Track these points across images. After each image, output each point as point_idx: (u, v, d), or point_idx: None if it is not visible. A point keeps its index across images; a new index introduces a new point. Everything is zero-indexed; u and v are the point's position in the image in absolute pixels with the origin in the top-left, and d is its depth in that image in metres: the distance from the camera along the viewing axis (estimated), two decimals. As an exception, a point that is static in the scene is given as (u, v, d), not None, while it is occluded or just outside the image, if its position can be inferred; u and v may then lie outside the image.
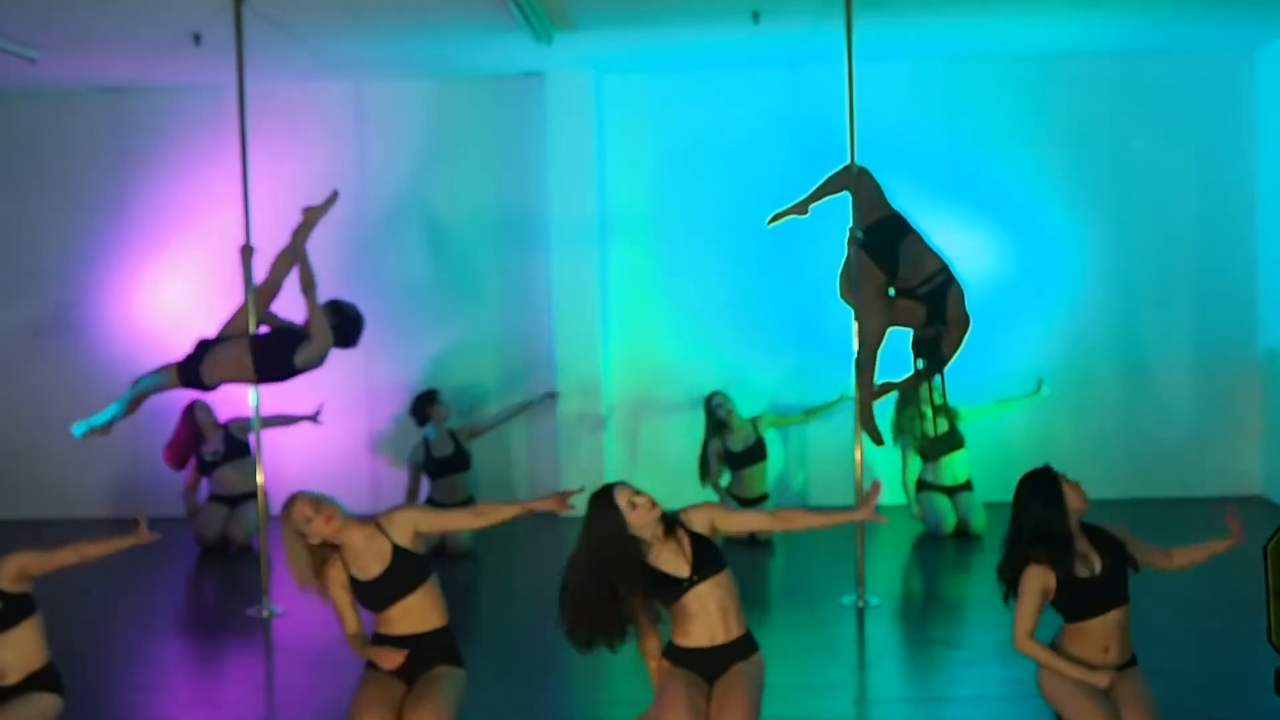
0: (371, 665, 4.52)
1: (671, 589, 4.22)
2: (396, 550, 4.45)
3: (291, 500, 4.47)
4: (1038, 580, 4.39)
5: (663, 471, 9.48)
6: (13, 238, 9.82)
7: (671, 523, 4.26)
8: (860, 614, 6.70)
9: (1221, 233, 9.40)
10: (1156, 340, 9.45)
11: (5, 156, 9.81)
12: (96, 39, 7.93)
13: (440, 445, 8.51)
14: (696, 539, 4.25)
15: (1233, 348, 9.41)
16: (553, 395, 9.10)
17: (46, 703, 4.64)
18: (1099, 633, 4.38)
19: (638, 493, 4.22)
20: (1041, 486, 4.37)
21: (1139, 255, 9.43)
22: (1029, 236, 9.44)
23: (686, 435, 9.46)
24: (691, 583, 4.21)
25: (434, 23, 7.72)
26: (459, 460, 8.54)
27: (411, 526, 4.50)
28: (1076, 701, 4.32)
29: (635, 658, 6.27)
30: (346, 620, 4.54)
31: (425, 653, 4.49)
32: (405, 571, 4.45)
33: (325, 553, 4.46)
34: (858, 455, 7.03)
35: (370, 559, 4.45)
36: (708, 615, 4.26)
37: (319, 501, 4.43)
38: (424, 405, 8.61)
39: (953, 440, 8.62)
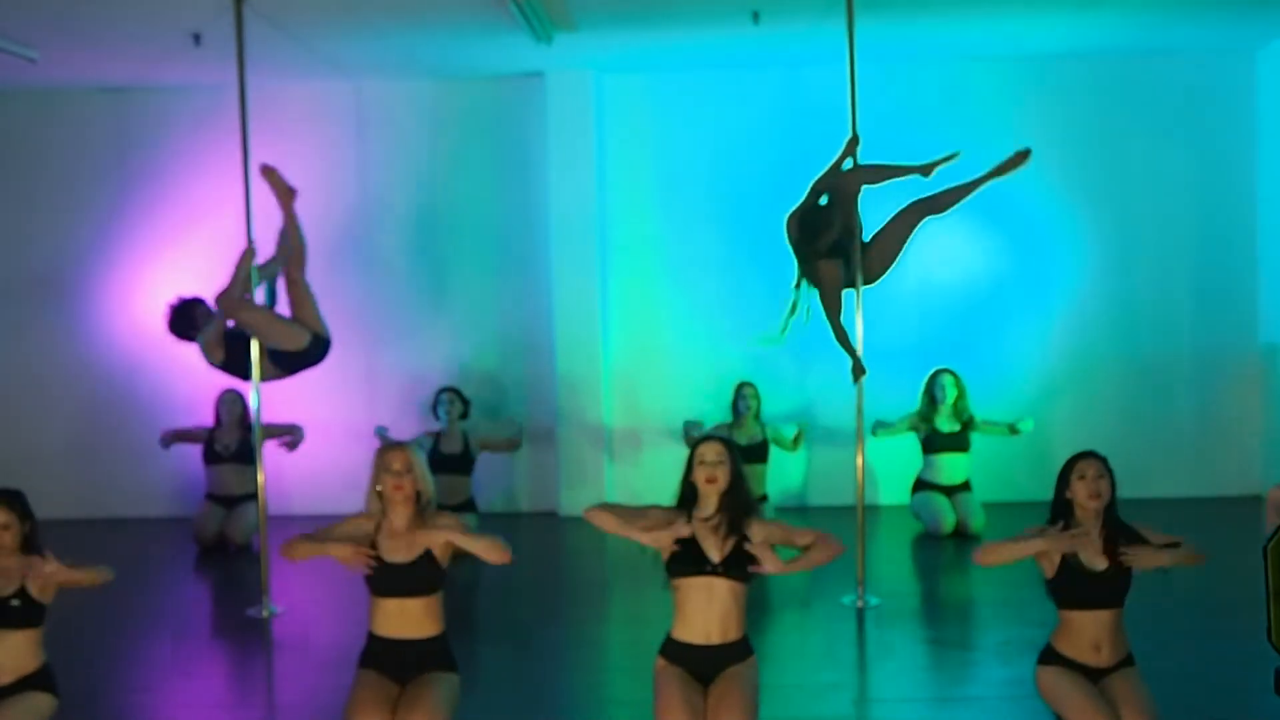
0: (364, 667, 4.53)
1: (693, 563, 4.35)
2: (427, 553, 4.49)
3: (400, 444, 4.63)
4: (1045, 539, 4.48)
5: (663, 471, 9.47)
6: (13, 237, 9.82)
7: (738, 519, 4.41)
8: (860, 614, 6.70)
9: (1221, 233, 9.40)
10: (1156, 340, 9.45)
11: (5, 156, 9.81)
12: (96, 39, 7.93)
13: (449, 441, 8.56)
14: (740, 545, 4.38)
15: (1233, 347, 9.41)
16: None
17: (42, 702, 4.66)
18: (1090, 629, 4.41)
19: (718, 463, 4.41)
20: (1066, 464, 4.58)
21: (1139, 255, 9.43)
22: (1029, 236, 9.44)
23: (686, 435, 9.47)
24: (715, 570, 4.34)
25: (434, 23, 7.72)
26: (463, 461, 8.54)
27: (445, 538, 4.51)
28: (1075, 701, 4.33)
29: (635, 657, 6.28)
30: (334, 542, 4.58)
31: (419, 658, 4.50)
32: (422, 575, 4.49)
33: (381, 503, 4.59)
34: (858, 456, 7.02)
35: (402, 546, 4.50)
36: (710, 612, 4.36)
37: (408, 471, 4.50)
38: (440, 393, 8.66)
39: (959, 442, 8.63)
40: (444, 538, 4.49)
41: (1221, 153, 9.37)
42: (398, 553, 4.48)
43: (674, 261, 9.60)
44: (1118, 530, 4.49)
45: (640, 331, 9.64)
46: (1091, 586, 4.40)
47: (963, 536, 8.48)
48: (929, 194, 7.03)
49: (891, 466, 9.35)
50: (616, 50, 8.71)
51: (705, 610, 4.36)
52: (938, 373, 8.70)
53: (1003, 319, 9.45)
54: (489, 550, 4.49)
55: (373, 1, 7.18)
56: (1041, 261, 9.45)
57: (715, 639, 4.36)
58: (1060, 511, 4.54)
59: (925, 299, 9.30)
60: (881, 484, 9.45)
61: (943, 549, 8.28)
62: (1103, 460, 4.57)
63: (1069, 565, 4.43)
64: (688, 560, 4.37)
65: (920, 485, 8.69)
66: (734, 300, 9.54)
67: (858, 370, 6.89)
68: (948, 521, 8.48)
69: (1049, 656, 4.50)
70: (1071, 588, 4.43)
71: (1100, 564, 4.40)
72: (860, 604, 6.80)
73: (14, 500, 4.78)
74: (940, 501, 8.56)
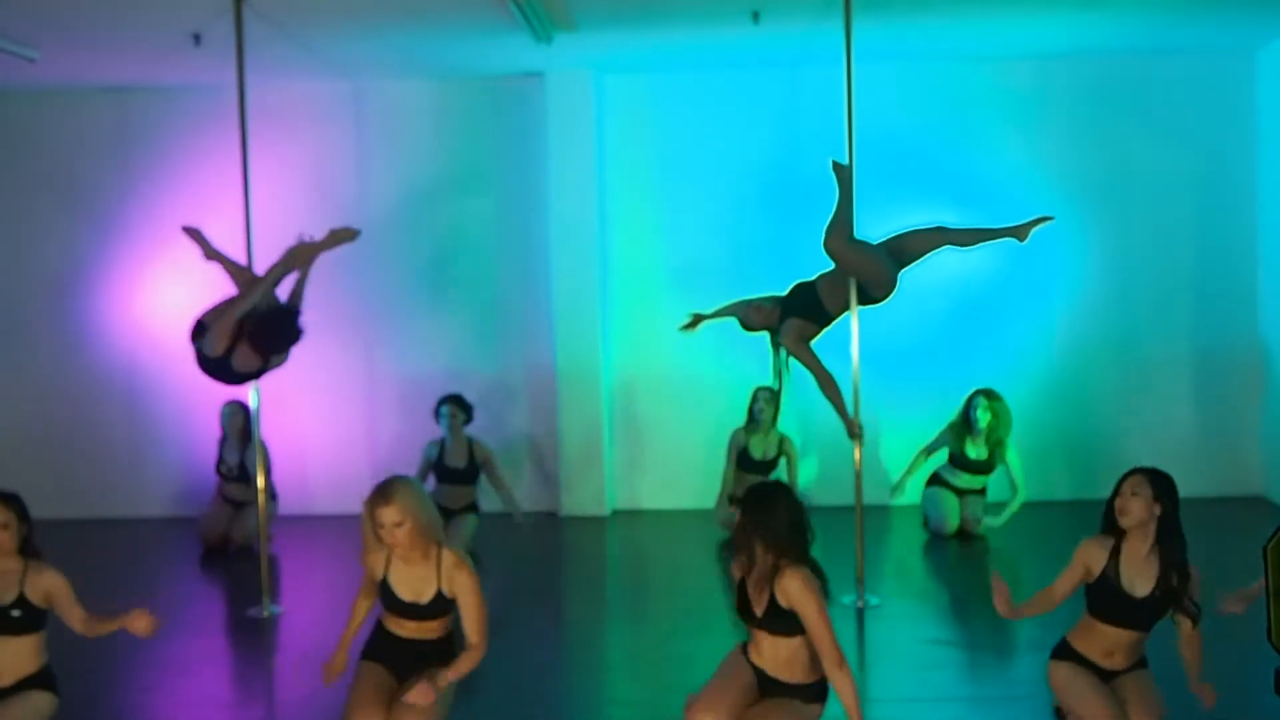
0: (367, 658, 4.56)
1: (742, 612, 4.37)
2: (440, 594, 4.46)
3: (387, 494, 4.33)
4: (1084, 553, 4.48)
5: (662, 472, 9.48)
6: (12, 237, 9.82)
7: (769, 571, 4.28)
8: (860, 614, 6.70)
9: (1221, 233, 9.40)
10: (1157, 340, 9.45)
11: (5, 156, 9.81)
12: (96, 39, 7.93)
13: (453, 454, 8.42)
14: (774, 603, 4.26)
15: (1233, 347, 9.41)
16: (526, 518, 8.67)
17: (42, 701, 4.69)
18: (1109, 639, 4.42)
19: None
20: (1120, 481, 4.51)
21: (1139, 255, 9.43)
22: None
23: (686, 436, 9.47)
24: (759, 624, 4.32)
25: (434, 23, 7.72)
26: (469, 473, 8.45)
27: (456, 587, 4.44)
28: (1086, 698, 4.34)
29: (635, 657, 6.29)
30: (354, 616, 4.67)
31: (422, 657, 4.53)
32: (436, 609, 4.48)
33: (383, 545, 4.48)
34: (857, 455, 7.02)
35: (413, 582, 4.47)
36: (775, 656, 4.35)
37: (400, 521, 4.32)
38: (441, 405, 8.52)
39: (984, 468, 8.50)
40: (458, 587, 4.43)
41: (1221, 153, 9.36)
42: (405, 590, 4.47)
43: (674, 261, 9.60)
44: (1171, 566, 4.39)
45: (640, 331, 9.63)
46: (1127, 608, 4.40)
47: (966, 537, 8.47)
48: (954, 226, 7.06)
49: (903, 467, 9.34)
50: (616, 50, 8.71)
51: (770, 654, 4.35)
52: (975, 394, 8.47)
53: (1002, 318, 9.45)
54: (472, 661, 4.44)
55: (373, 1, 7.18)
56: (1041, 261, 9.44)
57: (783, 677, 4.36)
58: (1108, 520, 4.50)
59: (924, 298, 9.28)
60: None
61: (945, 549, 8.28)
62: (1148, 476, 4.46)
63: (1108, 580, 4.40)
64: (740, 609, 4.37)
65: (935, 480, 8.64)
66: (733, 299, 9.53)
67: (851, 432, 6.83)
68: (952, 522, 8.46)
69: (1064, 651, 4.51)
70: (1105, 602, 4.42)
71: (1142, 590, 4.37)
72: (860, 604, 6.80)
73: (12, 500, 4.77)
74: (950, 501, 8.53)
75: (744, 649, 4.45)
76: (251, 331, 6.55)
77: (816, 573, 4.29)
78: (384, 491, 4.34)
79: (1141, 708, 4.31)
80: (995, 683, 5.69)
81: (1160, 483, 4.44)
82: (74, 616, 4.74)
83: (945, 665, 6.01)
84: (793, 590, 4.19)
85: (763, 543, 4.26)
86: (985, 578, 7.65)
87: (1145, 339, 9.46)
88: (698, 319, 7.55)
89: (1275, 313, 9.16)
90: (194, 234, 7.19)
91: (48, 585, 4.69)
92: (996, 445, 8.42)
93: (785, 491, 4.40)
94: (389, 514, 4.30)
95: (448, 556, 4.44)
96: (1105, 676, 4.43)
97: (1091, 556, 4.46)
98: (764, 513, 4.29)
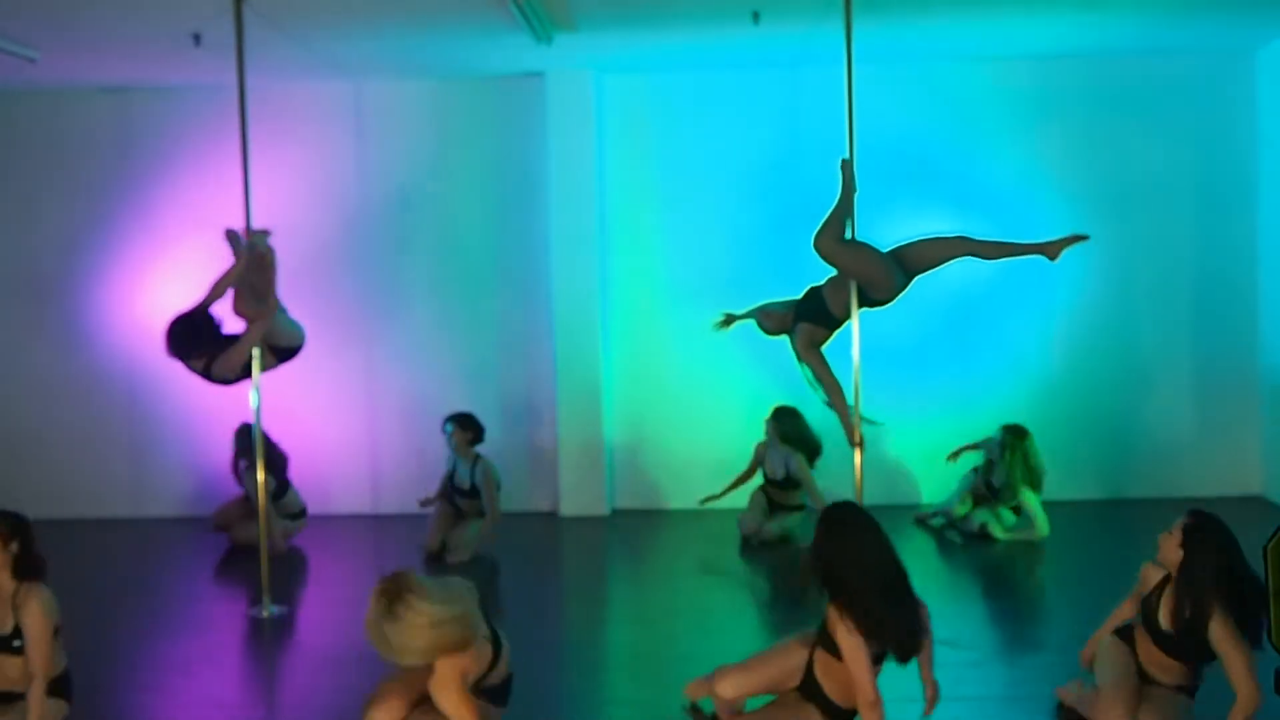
0: None
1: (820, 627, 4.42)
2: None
3: (378, 594, 4.27)
4: (1145, 574, 4.62)
5: (662, 472, 9.47)
6: (14, 237, 9.82)
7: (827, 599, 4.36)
8: (860, 614, 6.68)
9: (1221, 233, 9.40)
10: (1157, 340, 9.44)
11: (5, 156, 9.81)
12: (96, 39, 7.93)
13: (460, 477, 8.38)
14: (826, 632, 4.33)
15: (1233, 347, 9.41)
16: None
17: (50, 706, 4.68)
18: (1156, 655, 4.52)
19: None
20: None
21: (1139, 256, 9.43)
22: (1028, 238, 9.41)
23: (687, 436, 9.46)
24: (818, 634, 4.40)
25: (434, 23, 7.72)
26: (473, 492, 8.40)
27: (436, 696, 4.35)
28: (1111, 675, 4.46)
29: (635, 657, 6.28)
30: None
31: None
32: None
33: None
34: (858, 460, 7.01)
35: None
36: (820, 661, 4.40)
37: (383, 642, 4.30)
38: (445, 423, 8.39)
39: (1000, 497, 8.46)
40: (436, 697, 4.31)
41: (1221, 153, 9.36)
42: None
43: (674, 260, 9.60)
44: (1178, 613, 4.40)
45: (640, 331, 9.63)
46: (1159, 636, 4.47)
47: (966, 536, 8.46)
48: (978, 238, 6.86)
49: (904, 468, 9.34)
50: (616, 50, 8.71)
51: (818, 659, 4.39)
52: (1001, 429, 8.45)
53: (1002, 319, 9.45)
54: None
55: (373, 1, 7.18)
56: (1041, 263, 9.42)
57: (821, 683, 4.38)
58: None
59: (923, 298, 9.27)
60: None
61: (945, 550, 8.27)
62: (1187, 520, 4.44)
63: (1149, 605, 4.49)
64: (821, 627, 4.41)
65: (976, 471, 8.69)
66: (734, 299, 9.49)
67: (852, 439, 6.72)
68: (960, 509, 8.49)
69: (1127, 634, 4.57)
70: (1145, 622, 4.51)
71: (1169, 625, 4.43)
72: (860, 604, 6.78)
73: (3, 519, 4.67)
74: (969, 497, 8.58)
75: (817, 637, 4.45)
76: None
77: (871, 630, 4.21)
78: (380, 588, 4.28)
79: (1152, 709, 4.34)
80: (995, 683, 5.68)
81: (1194, 529, 4.41)
82: (34, 654, 4.64)
83: (945, 665, 5.99)
84: (836, 630, 4.26)
85: (808, 576, 4.34)
86: (985, 579, 7.69)
87: (1145, 338, 9.45)
88: (730, 319, 7.44)
89: (1275, 312, 9.15)
90: (233, 237, 7.26)
91: (27, 619, 4.63)
92: (1006, 484, 8.38)
93: (855, 528, 4.30)
94: (373, 603, 4.28)
95: (439, 669, 4.31)
96: (1147, 679, 4.48)
97: (1148, 579, 4.59)
98: (826, 544, 4.29)
